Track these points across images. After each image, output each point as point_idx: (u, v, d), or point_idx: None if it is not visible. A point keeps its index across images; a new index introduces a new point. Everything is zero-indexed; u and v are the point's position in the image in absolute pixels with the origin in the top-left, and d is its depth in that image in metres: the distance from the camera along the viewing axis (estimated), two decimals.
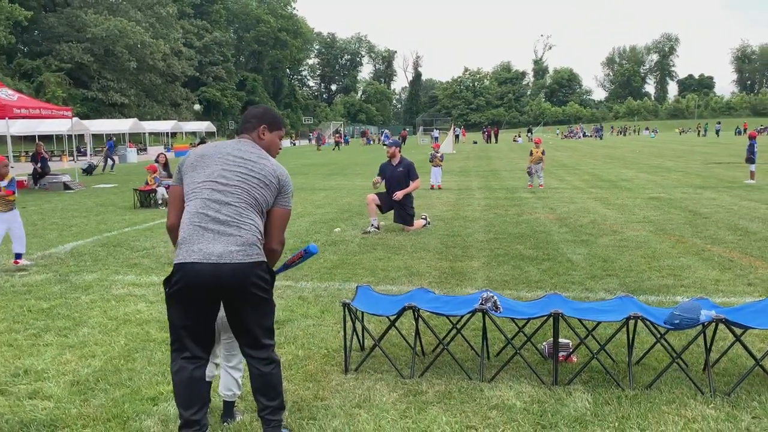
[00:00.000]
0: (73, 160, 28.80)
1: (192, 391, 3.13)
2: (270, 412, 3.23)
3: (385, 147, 16.75)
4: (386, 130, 76.92)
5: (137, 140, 49.53)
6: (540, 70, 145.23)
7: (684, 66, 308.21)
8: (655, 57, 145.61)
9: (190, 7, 75.79)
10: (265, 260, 3.15)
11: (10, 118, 17.28)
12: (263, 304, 3.15)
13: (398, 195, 9.93)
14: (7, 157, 18.48)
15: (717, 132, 70.13)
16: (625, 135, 72.92)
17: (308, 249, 3.58)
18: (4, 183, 7.63)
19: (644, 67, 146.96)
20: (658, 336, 4.11)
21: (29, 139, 38.65)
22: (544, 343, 4.60)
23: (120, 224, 11.39)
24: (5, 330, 5.30)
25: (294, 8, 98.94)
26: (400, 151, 10.41)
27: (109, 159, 28.24)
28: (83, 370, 4.40)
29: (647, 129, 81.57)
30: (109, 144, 30.24)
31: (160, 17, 64.25)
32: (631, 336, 4.21)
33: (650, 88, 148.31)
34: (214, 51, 79.28)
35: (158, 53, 61.00)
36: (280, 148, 3.44)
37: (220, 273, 2.99)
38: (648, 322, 4.05)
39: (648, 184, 17.33)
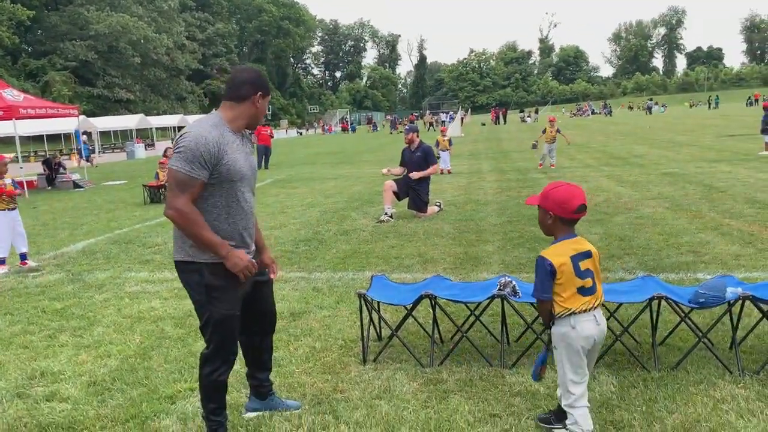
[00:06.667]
0: (85, 158, 28.87)
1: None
2: None
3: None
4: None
5: (144, 136, 49.59)
6: (546, 48, 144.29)
7: (692, 38, 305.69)
8: (662, 30, 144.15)
9: (191, 0, 75.52)
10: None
11: (17, 118, 17.23)
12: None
13: (415, 174, 9.92)
14: (17, 158, 18.50)
15: (716, 104, 69.13)
16: (651, 113, 67.69)
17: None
18: (9, 180, 7.61)
19: (651, 42, 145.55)
20: (683, 315, 4.01)
21: (38, 138, 38.79)
22: None
23: (131, 221, 11.37)
24: (20, 332, 5.28)
25: None
26: (418, 136, 10.34)
27: None
28: (99, 370, 4.36)
29: (656, 103, 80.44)
30: None
31: (161, 11, 64.09)
32: (654, 316, 4.11)
33: (658, 62, 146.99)
34: (217, 43, 79.11)
35: (161, 47, 60.89)
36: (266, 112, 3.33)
37: None
38: (672, 302, 3.94)
39: (661, 159, 17.11)
